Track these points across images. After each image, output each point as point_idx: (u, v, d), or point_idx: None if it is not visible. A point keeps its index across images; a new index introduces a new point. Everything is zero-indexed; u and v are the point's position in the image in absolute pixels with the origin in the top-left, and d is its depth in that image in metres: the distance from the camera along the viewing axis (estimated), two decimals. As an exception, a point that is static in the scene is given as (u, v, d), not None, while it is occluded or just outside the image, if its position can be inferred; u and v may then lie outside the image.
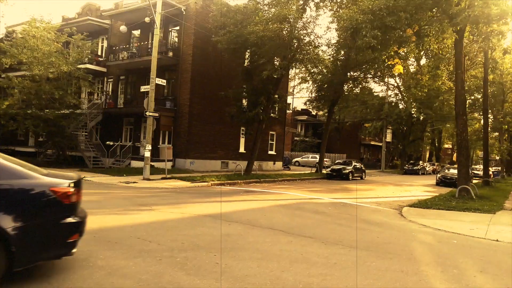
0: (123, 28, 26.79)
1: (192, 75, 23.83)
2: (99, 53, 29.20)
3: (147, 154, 18.09)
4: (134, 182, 16.52)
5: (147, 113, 18.47)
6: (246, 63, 22.00)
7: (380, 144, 47.21)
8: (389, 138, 44.52)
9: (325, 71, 28.12)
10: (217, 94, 22.93)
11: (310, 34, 20.53)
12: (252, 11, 19.07)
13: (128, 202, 10.30)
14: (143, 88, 20.09)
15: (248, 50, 20.49)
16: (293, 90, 42.19)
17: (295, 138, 50.17)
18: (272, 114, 30.50)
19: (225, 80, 24.10)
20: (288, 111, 50.92)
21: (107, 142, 26.20)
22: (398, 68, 13.61)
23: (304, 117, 51.02)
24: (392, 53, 16.26)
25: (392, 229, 8.85)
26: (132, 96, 27.08)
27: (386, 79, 38.15)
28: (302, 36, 20.28)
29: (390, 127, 43.94)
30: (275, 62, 19.38)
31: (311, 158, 40.53)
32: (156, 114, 18.95)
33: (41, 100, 22.69)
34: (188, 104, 23.78)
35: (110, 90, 28.37)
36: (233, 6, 21.38)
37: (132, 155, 24.60)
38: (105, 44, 29.18)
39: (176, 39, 25.24)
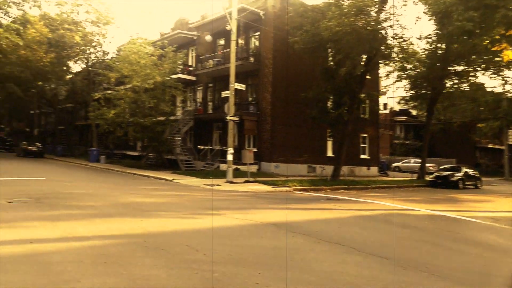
0: (208, 37, 27.92)
1: (273, 79, 23.59)
2: (190, 63, 30.76)
3: (230, 157, 18.15)
4: (217, 185, 16.64)
5: (228, 118, 18.63)
6: (325, 62, 20.87)
7: (502, 147, 40.85)
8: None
9: (418, 65, 25.30)
10: (299, 96, 22.27)
11: (393, 26, 18.56)
12: (327, 7, 18.04)
13: (200, 205, 10.17)
14: (223, 94, 20.34)
15: (327, 48, 19.37)
16: (387, 89, 39.24)
17: (394, 141, 46.58)
18: (362, 115, 28.70)
19: (306, 81, 23.34)
20: (384, 111, 47.83)
21: (198, 146, 27.35)
22: (507, 54, 10.88)
23: (403, 118, 47.12)
24: (498, 36, 13.37)
25: (509, 254, 7.09)
26: (219, 102, 27.83)
27: (503, 72, 33.06)
28: (383, 29, 18.44)
29: (513, 127, 37.87)
30: (356, 58, 17.89)
31: (413, 163, 36.72)
32: (236, 118, 18.98)
33: (140, 109, 24.62)
34: (270, 107, 23.54)
35: (200, 97, 29.61)
36: (310, 6, 20.70)
37: (221, 158, 25.08)
38: (194, 55, 30.66)
39: (257, 45, 25.27)
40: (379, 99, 45.33)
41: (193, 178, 19.27)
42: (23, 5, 15.12)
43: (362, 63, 18.74)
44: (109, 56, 32.45)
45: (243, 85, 20.81)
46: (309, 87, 21.82)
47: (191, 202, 10.90)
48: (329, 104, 22.41)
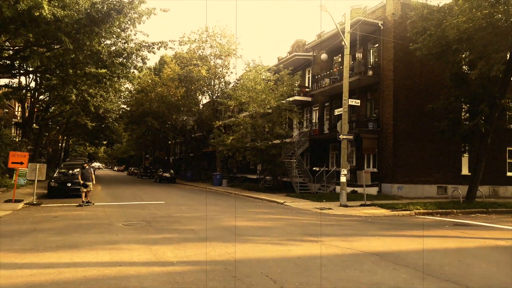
0: (323, 56, 27.63)
1: (395, 91, 21.78)
2: (306, 84, 30.87)
3: (343, 179, 17.24)
4: (329, 209, 15.92)
5: (341, 137, 17.80)
6: (455, 67, 18.28)
7: None
8: None
9: None
10: (425, 108, 20.02)
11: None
12: (455, 3, 15.79)
13: (300, 231, 9.71)
14: (336, 112, 19.60)
15: (454, 51, 16.85)
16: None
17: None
18: (509, 125, 24.34)
19: (433, 91, 20.94)
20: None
21: (314, 168, 26.89)
22: None
23: None
24: None
25: None
26: (336, 121, 27.03)
27: None
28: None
29: None
30: (493, 56, 15.06)
31: None
32: (350, 137, 17.99)
33: (256, 133, 25.56)
34: (392, 123, 21.71)
35: (317, 118, 29.27)
36: (435, 6, 18.46)
37: (337, 180, 24.11)
38: (311, 75, 30.68)
39: (376, 57, 23.89)
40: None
41: (305, 201, 18.86)
42: (154, 47, 17.20)
43: (501, 62, 15.72)
44: (231, 86, 34.89)
45: (358, 101, 19.84)
46: (437, 97, 19.54)
47: (293, 227, 10.51)
48: (462, 114, 19.66)
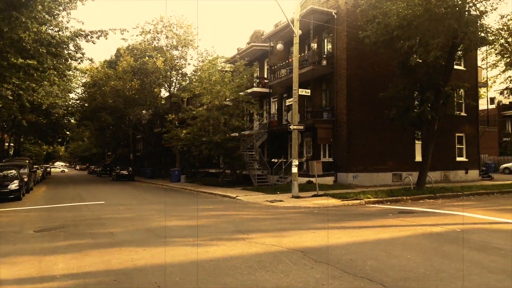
0: (279, 46, 26.95)
1: (348, 81, 21.63)
2: (265, 76, 30.33)
3: (294, 170, 16.89)
4: (280, 201, 15.54)
5: (291, 127, 17.42)
6: (401, 55, 18.26)
7: None
8: None
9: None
10: (378, 97, 19.99)
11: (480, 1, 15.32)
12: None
13: (233, 228, 9.18)
14: (287, 102, 19.21)
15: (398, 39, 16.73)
16: (494, 81, 33.70)
17: (504, 139, 39.89)
18: (457, 112, 24.86)
19: (385, 80, 20.86)
20: (491, 106, 41.32)
21: (272, 160, 26.53)
22: None
23: (515, 111, 40.16)
24: None
25: None
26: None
27: None
28: (470, 4, 15.34)
29: None
30: (430, 43, 15.00)
31: (530, 163, 30.91)
32: (301, 127, 17.64)
33: (212, 126, 24.83)
34: (346, 112, 21.58)
35: (275, 109, 28.87)
36: None
37: (295, 171, 23.90)
38: (269, 66, 30.15)
39: (330, 47, 23.65)
40: (483, 92, 39.67)
41: (259, 194, 18.43)
42: (92, 36, 16.05)
43: (438, 48, 15.70)
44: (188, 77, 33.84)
45: (308, 90, 19.47)
46: (388, 86, 19.49)
47: (230, 223, 9.97)
48: (413, 102, 19.72)
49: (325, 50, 23.95)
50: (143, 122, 36.66)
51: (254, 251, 6.80)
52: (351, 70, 21.65)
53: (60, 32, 15.56)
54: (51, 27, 14.73)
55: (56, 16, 14.47)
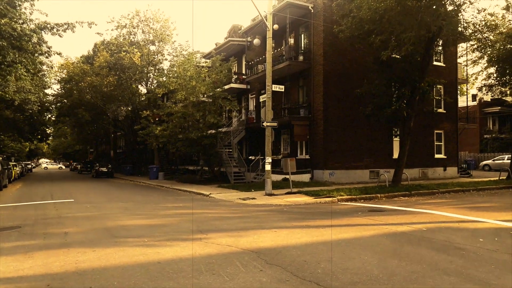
0: (256, 41, 26.73)
1: (325, 77, 21.35)
2: (243, 71, 29.93)
3: (268, 167, 16.60)
4: (252, 199, 15.23)
5: (264, 124, 17.07)
6: (377, 50, 18.09)
7: None
8: None
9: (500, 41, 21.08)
10: (355, 93, 19.83)
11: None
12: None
13: (195, 227, 8.79)
14: (261, 98, 18.88)
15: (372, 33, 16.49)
16: (476, 78, 33.93)
17: (485, 136, 40.36)
18: (437, 109, 24.94)
19: (362, 76, 20.66)
20: (473, 103, 41.70)
21: (250, 157, 26.22)
22: None
23: (496, 109, 40.60)
24: None
25: None
26: (272, 108, 26.42)
27: None
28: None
29: None
30: (402, 37, 14.80)
31: (507, 159, 31.09)
32: (274, 124, 17.30)
33: (188, 123, 24.34)
34: (322, 109, 21.33)
35: (254, 106, 28.53)
36: None
37: (272, 168, 23.58)
38: (247, 62, 29.77)
39: (307, 42, 23.36)
40: (464, 89, 39.97)
41: (233, 192, 18.08)
42: (59, 29, 15.41)
43: (412, 45, 15.54)
44: (164, 73, 33.13)
45: (282, 86, 19.10)
46: (368, 82, 19.29)
47: (192, 222, 9.59)
48: (388, 98, 19.61)
49: (302, 46, 23.64)
50: (120, 118, 35.86)
51: (207, 252, 6.44)
52: (328, 66, 21.39)
53: (24, 25, 14.87)
54: (14, 19, 14.04)
55: (18, 8, 13.78)
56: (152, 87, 34.13)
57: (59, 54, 17.95)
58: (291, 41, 23.59)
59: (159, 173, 29.19)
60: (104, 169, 35.42)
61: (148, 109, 29.11)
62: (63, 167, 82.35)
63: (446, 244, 7.00)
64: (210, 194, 17.19)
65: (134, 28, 32.53)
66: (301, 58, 22.60)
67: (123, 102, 33.75)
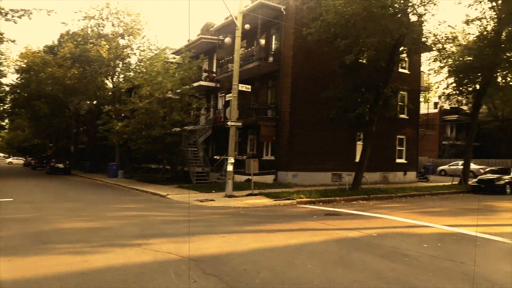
0: (227, 39, 26.15)
1: (293, 79, 21.29)
2: (214, 70, 29.44)
3: (230, 168, 16.26)
4: (211, 200, 14.85)
5: (229, 123, 16.78)
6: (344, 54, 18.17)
7: None
8: None
9: (457, 53, 21.79)
10: (321, 96, 19.87)
11: (418, 6, 15.48)
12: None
13: (137, 231, 8.33)
14: (227, 97, 18.56)
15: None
16: (438, 86, 34.94)
17: (443, 142, 41.78)
18: (401, 115, 25.46)
19: (329, 79, 20.70)
20: (434, 110, 43.10)
21: (215, 157, 25.80)
22: None
23: (454, 117, 42.11)
24: None
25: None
26: (239, 108, 26.12)
27: None
28: (407, 6, 15.44)
29: None
30: (367, 42, 14.92)
31: (461, 165, 32.23)
32: (239, 124, 17.02)
33: (152, 120, 23.60)
34: (289, 111, 21.24)
35: (222, 104, 28.11)
36: None
37: (237, 169, 23.27)
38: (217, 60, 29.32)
39: (278, 43, 23.24)
40: (430, 97, 41.20)
41: (193, 193, 17.62)
42: (14, 16, 14.49)
43: (374, 51, 15.70)
44: (132, 67, 32.10)
45: (249, 86, 18.86)
46: (334, 86, 19.30)
47: (138, 226, 9.07)
48: (350, 103, 19.74)
49: (273, 47, 23.52)
50: (82, 112, 34.46)
51: (141, 260, 6.03)
52: (297, 69, 21.34)
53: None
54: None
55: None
56: (119, 81, 32.99)
57: (13, 41, 16.90)
58: (262, 41, 23.43)
59: (119, 171, 28.19)
60: (61, 165, 33.79)
61: (111, 104, 28.08)
62: (13, 162, 76.11)
63: (393, 251, 6.94)
64: (167, 195, 16.66)
65: (103, 20, 31.29)
66: (271, 59, 22.46)
67: (87, 96, 32.40)
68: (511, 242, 7.87)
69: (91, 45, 30.52)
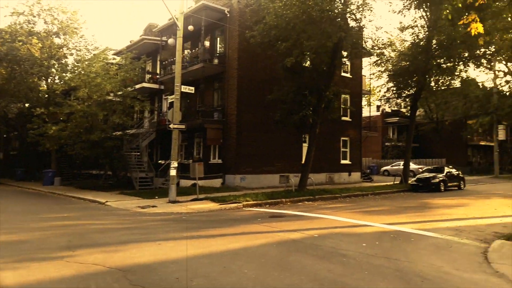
0: (171, 41, 25.55)
1: (239, 81, 21.12)
2: (158, 71, 28.50)
3: (173, 172, 15.65)
4: (153, 207, 14.16)
5: (171, 126, 16.19)
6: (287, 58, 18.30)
7: (493, 144, 38.15)
8: (502, 135, 35.42)
9: (394, 58, 22.92)
10: (266, 99, 19.88)
11: (356, 12, 16.01)
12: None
13: (63, 242, 7.61)
14: (169, 99, 17.97)
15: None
16: (379, 90, 36.55)
17: (386, 144, 43.82)
18: (344, 118, 26.22)
19: (275, 82, 20.80)
20: (376, 113, 45.07)
21: (160, 161, 24.92)
22: (476, 27, 7.24)
23: (395, 119, 44.36)
24: (460, 4, 9.39)
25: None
26: (185, 110, 25.49)
27: (492, 64, 30.66)
28: (345, 11, 15.89)
29: (504, 123, 35.09)
30: (305, 45, 15.13)
31: (403, 165, 34.03)
32: (182, 126, 16.51)
33: (90, 123, 22.26)
34: (236, 113, 21.03)
35: (167, 106, 27.24)
36: None
37: (182, 173, 22.63)
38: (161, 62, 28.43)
39: (223, 45, 22.97)
40: (373, 100, 43.00)
41: (134, 199, 16.77)
42: None
43: (314, 53, 15.96)
44: (69, 68, 30.16)
45: (192, 88, 18.39)
46: (279, 89, 19.34)
47: (65, 236, 8.33)
48: (295, 105, 19.91)
49: (217, 49, 23.23)
50: (10, 116, 31.78)
51: (62, 274, 5.43)
52: (242, 71, 21.22)
53: None
54: None
55: None
56: (54, 82, 30.83)
57: None
58: (207, 43, 23.07)
59: (55, 178, 26.28)
60: (-14, 174, 30.87)
61: (45, 107, 26.10)
62: None
63: (332, 251, 6.89)
64: (107, 202, 15.69)
65: (34, 17, 29.07)
66: (216, 61, 22.14)
67: (17, 98, 29.91)
68: (443, 237, 8.17)
69: (20, 43, 28.26)
